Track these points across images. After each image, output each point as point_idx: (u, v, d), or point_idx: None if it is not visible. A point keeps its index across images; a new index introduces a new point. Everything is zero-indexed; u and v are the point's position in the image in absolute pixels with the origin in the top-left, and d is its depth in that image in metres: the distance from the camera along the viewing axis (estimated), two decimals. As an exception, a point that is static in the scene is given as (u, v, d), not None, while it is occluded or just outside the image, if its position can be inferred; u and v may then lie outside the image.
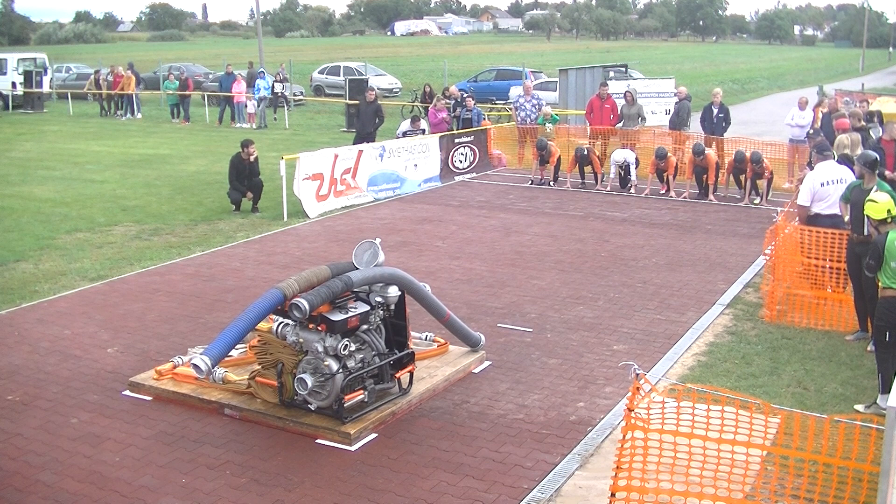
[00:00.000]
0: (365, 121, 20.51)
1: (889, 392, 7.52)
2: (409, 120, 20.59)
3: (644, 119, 20.14)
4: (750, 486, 5.66)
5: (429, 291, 8.15)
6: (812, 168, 11.12)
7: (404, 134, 19.49)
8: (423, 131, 19.68)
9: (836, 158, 10.80)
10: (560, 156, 18.60)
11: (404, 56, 75.91)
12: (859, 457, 5.12)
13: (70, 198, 17.07)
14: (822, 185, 10.27)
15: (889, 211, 7.66)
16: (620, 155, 17.82)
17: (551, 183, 18.59)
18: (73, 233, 14.11)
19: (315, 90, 40.88)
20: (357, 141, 19.47)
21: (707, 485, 5.39)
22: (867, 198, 8.00)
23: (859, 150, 11.18)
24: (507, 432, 7.10)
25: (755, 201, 16.46)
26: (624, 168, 17.84)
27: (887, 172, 11.72)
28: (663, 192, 17.36)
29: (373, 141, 19.18)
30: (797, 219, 10.75)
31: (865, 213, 7.92)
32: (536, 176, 18.75)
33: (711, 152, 17.06)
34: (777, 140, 19.32)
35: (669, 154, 17.17)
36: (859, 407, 7.49)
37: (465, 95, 22.86)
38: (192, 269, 12.01)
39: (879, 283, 7.64)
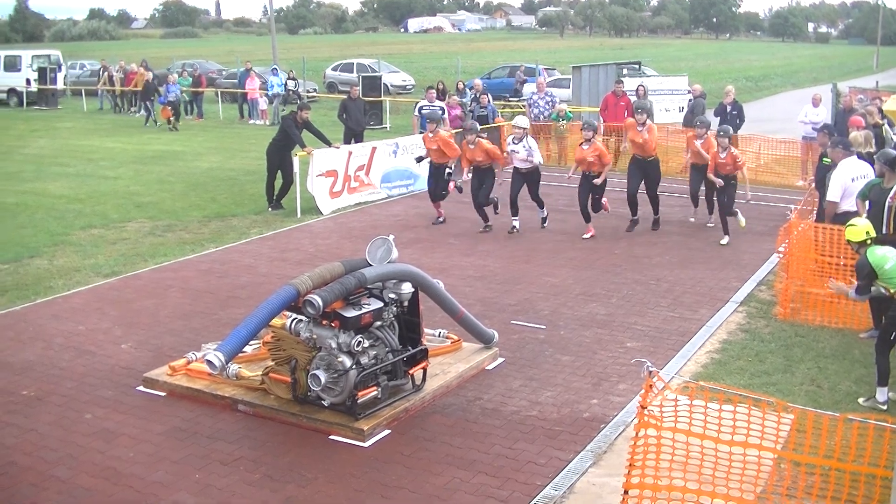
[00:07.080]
0: (358, 118, 20.53)
1: (886, 384, 7.53)
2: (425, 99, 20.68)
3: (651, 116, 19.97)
4: (762, 487, 5.65)
5: (442, 288, 8.15)
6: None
7: (420, 109, 19.61)
8: (442, 109, 19.63)
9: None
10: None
11: (417, 53, 75.83)
12: (872, 459, 5.09)
13: (84, 194, 17.15)
14: (853, 180, 10.18)
15: (868, 233, 7.81)
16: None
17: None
18: (87, 229, 14.18)
19: (328, 87, 40.96)
20: (348, 139, 19.46)
21: (720, 483, 5.38)
22: (848, 222, 8.07)
23: (871, 147, 11.12)
24: (520, 429, 7.10)
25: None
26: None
27: None
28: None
29: (361, 140, 19.27)
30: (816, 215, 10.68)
31: (846, 237, 8.04)
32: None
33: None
34: (791, 137, 19.22)
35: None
36: (860, 400, 7.57)
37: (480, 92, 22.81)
38: (206, 266, 12.05)
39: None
